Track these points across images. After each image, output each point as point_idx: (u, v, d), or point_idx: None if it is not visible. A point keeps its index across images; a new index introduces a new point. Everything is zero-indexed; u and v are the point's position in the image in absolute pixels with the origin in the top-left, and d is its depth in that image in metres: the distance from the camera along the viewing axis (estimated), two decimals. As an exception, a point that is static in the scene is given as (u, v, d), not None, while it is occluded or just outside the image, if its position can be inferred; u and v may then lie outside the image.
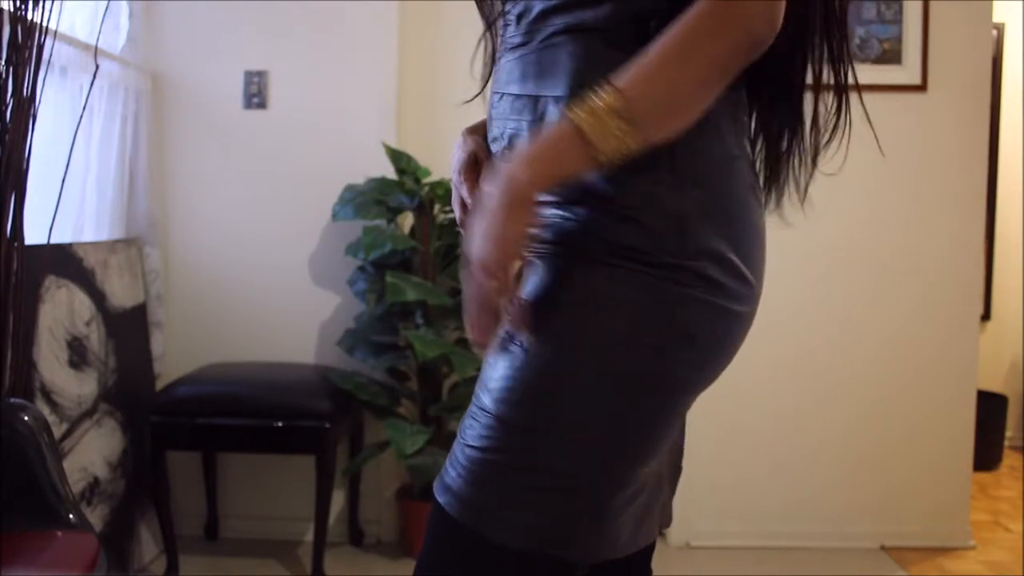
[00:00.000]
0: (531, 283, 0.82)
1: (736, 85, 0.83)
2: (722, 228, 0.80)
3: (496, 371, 0.81)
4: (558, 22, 0.83)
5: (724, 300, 0.81)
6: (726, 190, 0.82)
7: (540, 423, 0.78)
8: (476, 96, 1.06)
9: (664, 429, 0.83)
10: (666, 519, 0.97)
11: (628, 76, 0.75)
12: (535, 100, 0.84)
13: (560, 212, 0.82)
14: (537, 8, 0.84)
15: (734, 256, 0.81)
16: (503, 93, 0.89)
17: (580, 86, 0.78)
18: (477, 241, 0.75)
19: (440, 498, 0.82)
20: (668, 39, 0.75)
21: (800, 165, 0.93)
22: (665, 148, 0.77)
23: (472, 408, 0.83)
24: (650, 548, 1.03)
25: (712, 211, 0.80)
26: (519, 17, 0.87)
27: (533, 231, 0.77)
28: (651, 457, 0.84)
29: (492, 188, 0.76)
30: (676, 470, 0.99)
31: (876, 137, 0.97)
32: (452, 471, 0.82)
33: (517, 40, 0.87)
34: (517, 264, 0.77)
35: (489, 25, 0.99)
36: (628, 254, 0.78)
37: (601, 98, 0.73)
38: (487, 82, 1.01)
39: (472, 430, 0.81)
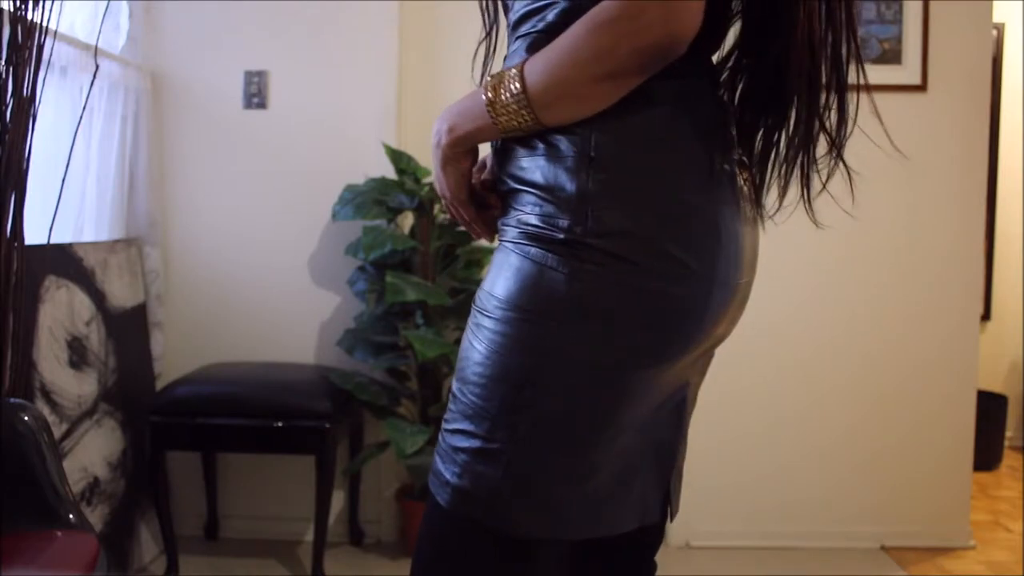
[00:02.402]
0: (490, 265, 0.91)
1: (683, 75, 0.86)
2: (640, 208, 0.82)
3: (461, 359, 0.91)
4: (522, 31, 0.91)
5: (639, 279, 0.82)
6: (646, 172, 0.84)
7: (487, 405, 0.86)
8: None
9: (603, 410, 0.85)
10: (648, 513, 0.96)
11: (533, 64, 0.84)
12: None
13: (509, 198, 0.90)
14: (512, 20, 0.94)
15: (660, 236, 0.82)
16: None
17: None
18: (435, 180, 0.98)
19: (430, 480, 0.91)
20: (570, 33, 0.82)
21: (792, 165, 0.93)
22: (586, 132, 0.83)
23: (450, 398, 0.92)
24: (649, 541, 1.05)
25: (624, 192, 0.83)
26: (509, 29, 0.96)
27: (466, 171, 0.94)
28: (597, 437, 0.86)
29: (432, 139, 0.94)
30: (663, 467, 0.97)
31: (889, 137, 0.99)
32: (435, 453, 0.92)
33: (509, 48, 0.96)
34: (463, 193, 0.96)
35: (488, 32, 1.08)
36: (537, 234, 0.84)
37: (509, 80, 0.85)
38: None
39: (447, 414, 0.91)
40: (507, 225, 0.89)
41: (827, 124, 0.91)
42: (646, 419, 0.90)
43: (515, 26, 0.93)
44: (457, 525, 0.88)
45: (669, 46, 0.79)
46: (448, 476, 0.88)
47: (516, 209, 0.88)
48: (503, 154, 0.91)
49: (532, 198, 0.86)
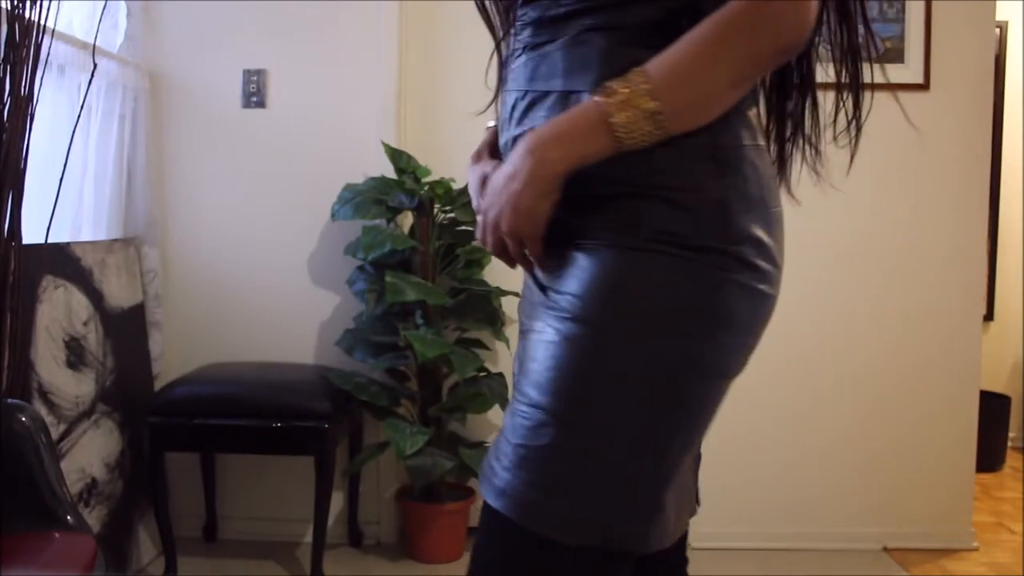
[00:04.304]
0: (577, 270, 0.83)
1: None
2: (757, 213, 0.83)
3: (538, 361, 0.82)
4: (587, 22, 0.84)
5: (761, 283, 0.83)
6: (757, 177, 0.84)
7: (587, 412, 0.79)
8: (492, 103, 1.07)
9: (707, 415, 0.85)
10: (693, 506, 1.00)
11: (663, 77, 0.78)
12: (566, 95, 0.85)
13: (607, 201, 0.83)
14: (562, 10, 0.86)
15: (768, 240, 0.84)
16: (525, 91, 0.89)
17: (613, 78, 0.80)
18: (506, 211, 0.82)
19: (490, 498, 0.82)
20: (700, 40, 0.78)
21: (807, 156, 0.98)
22: (707, 136, 0.81)
23: (516, 402, 0.83)
24: (684, 536, 1.07)
25: (747, 197, 0.83)
26: (539, 20, 0.88)
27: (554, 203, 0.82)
28: (695, 443, 0.86)
29: (519, 161, 0.81)
30: (697, 457, 1.02)
31: (910, 121, 1.02)
32: (499, 468, 0.81)
33: (539, 40, 0.88)
34: (544, 227, 0.83)
35: (502, 36, 1.02)
36: (671, 239, 0.80)
37: (638, 98, 0.77)
38: (499, 89, 1.04)
39: (518, 424, 0.81)
40: (604, 228, 0.82)
41: (827, 117, 0.95)
42: None
43: (570, 16, 0.85)
44: (552, 549, 0.79)
45: (798, 46, 0.79)
46: (550, 502, 0.79)
47: (618, 213, 0.82)
48: None
49: (644, 202, 0.81)
